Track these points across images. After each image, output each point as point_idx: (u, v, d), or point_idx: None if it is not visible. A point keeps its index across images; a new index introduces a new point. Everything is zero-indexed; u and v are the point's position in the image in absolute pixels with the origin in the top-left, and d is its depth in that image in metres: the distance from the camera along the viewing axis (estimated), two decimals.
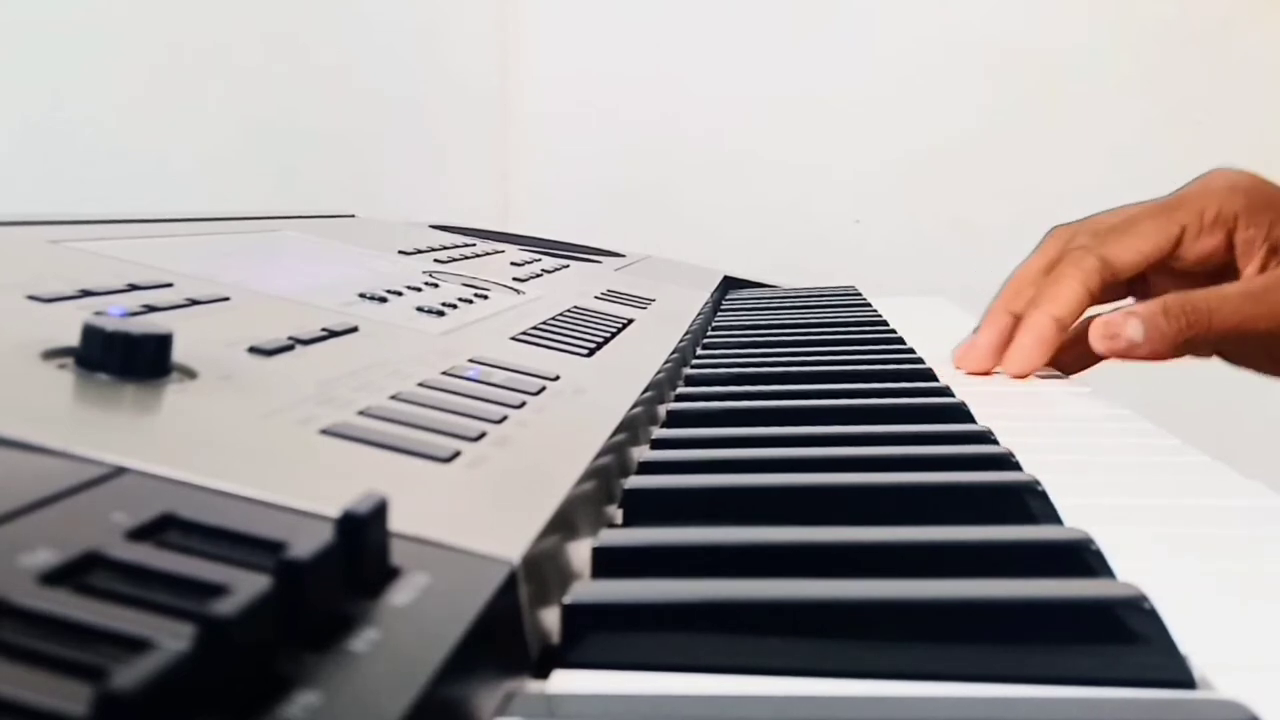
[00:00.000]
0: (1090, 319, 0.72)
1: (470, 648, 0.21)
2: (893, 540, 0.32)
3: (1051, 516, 0.36)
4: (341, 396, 0.35)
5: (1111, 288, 0.68)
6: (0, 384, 0.29)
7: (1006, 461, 0.41)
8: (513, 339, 0.54)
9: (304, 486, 0.26)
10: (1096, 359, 0.72)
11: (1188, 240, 0.66)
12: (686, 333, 0.73)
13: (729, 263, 1.25)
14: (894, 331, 0.79)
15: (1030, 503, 0.36)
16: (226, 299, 0.45)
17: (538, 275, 0.83)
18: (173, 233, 0.63)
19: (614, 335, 0.63)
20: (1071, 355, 0.71)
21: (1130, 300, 0.72)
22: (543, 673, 0.25)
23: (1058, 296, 0.66)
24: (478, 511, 0.29)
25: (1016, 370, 0.65)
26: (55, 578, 0.19)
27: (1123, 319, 0.63)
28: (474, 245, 0.93)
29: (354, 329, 0.46)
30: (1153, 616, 0.26)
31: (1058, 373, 0.69)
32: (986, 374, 0.66)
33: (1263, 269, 0.66)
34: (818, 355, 0.68)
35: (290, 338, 0.40)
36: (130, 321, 0.32)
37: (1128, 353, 0.63)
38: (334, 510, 0.22)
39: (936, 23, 1.60)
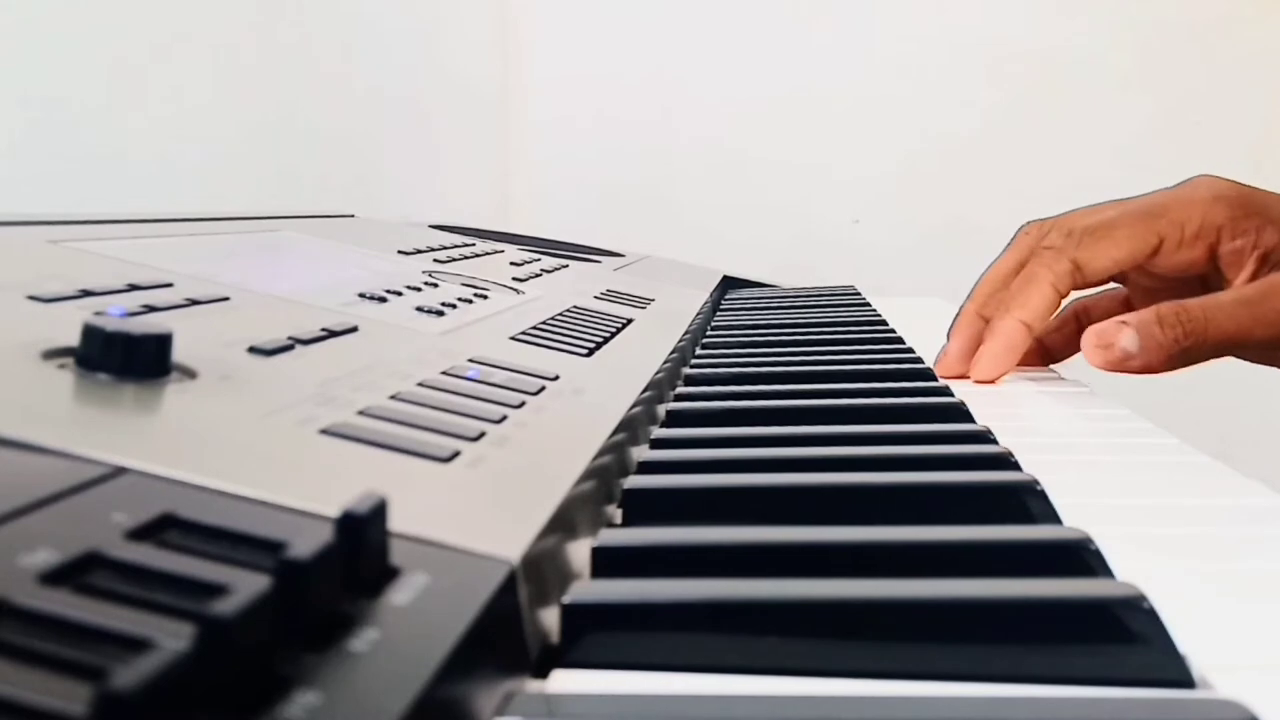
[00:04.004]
0: (1077, 301, 0.72)
1: (470, 648, 0.21)
2: (893, 540, 0.32)
3: (1051, 516, 0.36)
4: (341, 396, 0.35)
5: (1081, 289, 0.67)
6: (0, 384, 0.29)
7: (1006, 461, 0.41)
8: (512, 339, 0.54)
9: (304, 486, 0.26)
10: (1050, 361, 0.72)
11: (1166, 251, 0.65)
12: (686, 333, 0.73)
13: (729, 263, 1.25)
14: (894, 331, 0.79)
15: (1030, 502, 0.36)
16: (226, 299, 0.45)
17: (537, 275, 0.83)
18: (173, 233, 0.63)
19: (613, 335, 0.63)
20: (1059, 339, 0.71)
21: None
22: (542, 673, 0.25)
23: (1027, 301, 0.65)
24: (477, 511, 0.29)
25: (984, 376, 0.64)
26: (55, 578, 0.19)
27: (1116, 328, 0.61)
28: (474, 245, 0.93)
29: (354, 329, 0.46)
30: (1152, 616, 0.26)
31: (1055, 373, 0.70)
32: (960, 379, 0.66)
33: (1254, 278, 0.64)
34: (817, 355, 0.68)
35: (290, 338, 0.40)
36: (130, 321, 0.32)
37: (1122, 364, 0.61)
38: (334, 510, 0.22)
39: (936, 23, 1.60)
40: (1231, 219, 0.64)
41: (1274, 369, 0.66)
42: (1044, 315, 0.65)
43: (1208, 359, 0.62)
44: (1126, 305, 0.72)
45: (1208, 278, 0.67)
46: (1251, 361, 0.65)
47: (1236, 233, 0.64)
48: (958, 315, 0.68)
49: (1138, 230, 0.65)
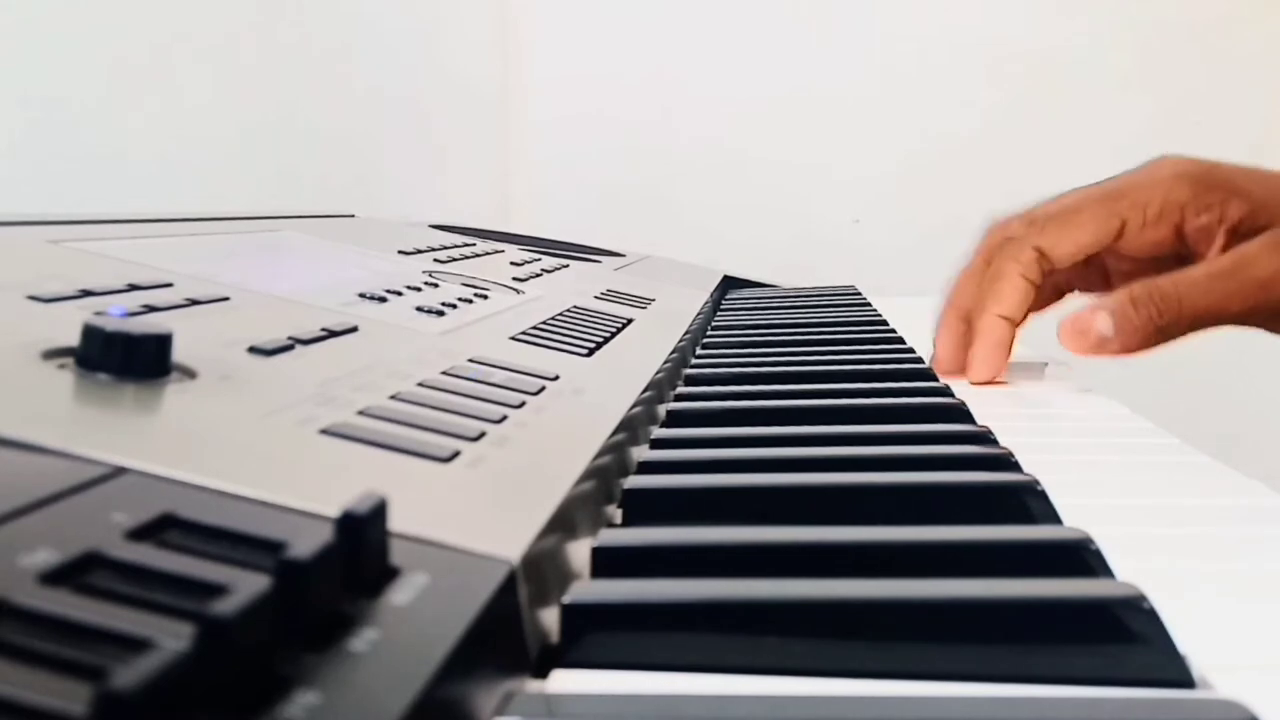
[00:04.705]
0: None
1: (470, 648, 0.21)
2: (893, 540, 0.32)
3: (1051, 516, 0.36)
4: (341, 396, 0.35)
5: (1052, 276, 0.67)
6: (0, 384, 0.29)
7: (1006, 461, 0.41)
8: (512, 339, 0.54)
9: (304, 486, 0.26)
10: (1063, 293, 0.72)
11: (1130, 233, 0.65)
12: (686, 333, 0.73)
13: (729, 263, 1.25)
14: (894, 331, 0.79)
15: (1030, 503, 0.36)
16: (226, 299, 0.45)
17: (537, 275, 0.83)
18: (173, 233, 0.63)
19: (614, 335, 0.63)
20: (1038, 300, 0.70)
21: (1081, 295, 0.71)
22: (542, 672, 0.25)
23: (1000, 295, 0.65)
24: (477, 511, 0.29)
25: (981, 378, 0.64)
26: (55, 578, 0.19)
27: (1090, 314, 0.61)
28: (474, 245, 0.93)
29: (354, 329, 0.46)
30: (1152, 616, 0.26)
31: (1054, 372, 0.70)
32: (954, 378, 0.65)
33: (1225, 251, 0.63)
34: (818, 355, 0.68)
35: (290, 338, 0.40)
36: (130, 321, 0.32)
37: (1100, 348, 0.61)
38: (334, 510, 0.22)
39: (936, 23, 1.60)
40: (1194, 195, 0.64)
41: (1271, 359, 0.66)
42: (1020, 306, 0.65)
43: (1185, 334, 0.61)
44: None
45: (1181, 256, 0.66)
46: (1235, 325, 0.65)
47: (1200, 209, 0.64)
48: (938, 319, 0.68)
49: (1099, 213, 0.65)
